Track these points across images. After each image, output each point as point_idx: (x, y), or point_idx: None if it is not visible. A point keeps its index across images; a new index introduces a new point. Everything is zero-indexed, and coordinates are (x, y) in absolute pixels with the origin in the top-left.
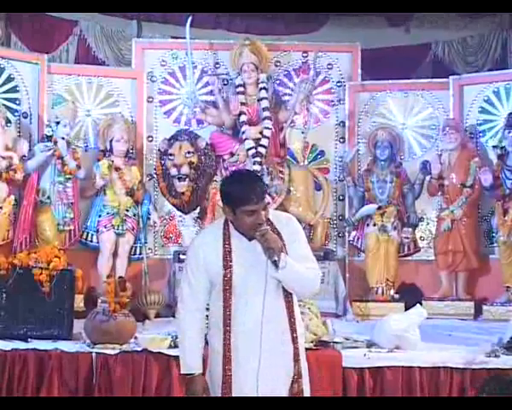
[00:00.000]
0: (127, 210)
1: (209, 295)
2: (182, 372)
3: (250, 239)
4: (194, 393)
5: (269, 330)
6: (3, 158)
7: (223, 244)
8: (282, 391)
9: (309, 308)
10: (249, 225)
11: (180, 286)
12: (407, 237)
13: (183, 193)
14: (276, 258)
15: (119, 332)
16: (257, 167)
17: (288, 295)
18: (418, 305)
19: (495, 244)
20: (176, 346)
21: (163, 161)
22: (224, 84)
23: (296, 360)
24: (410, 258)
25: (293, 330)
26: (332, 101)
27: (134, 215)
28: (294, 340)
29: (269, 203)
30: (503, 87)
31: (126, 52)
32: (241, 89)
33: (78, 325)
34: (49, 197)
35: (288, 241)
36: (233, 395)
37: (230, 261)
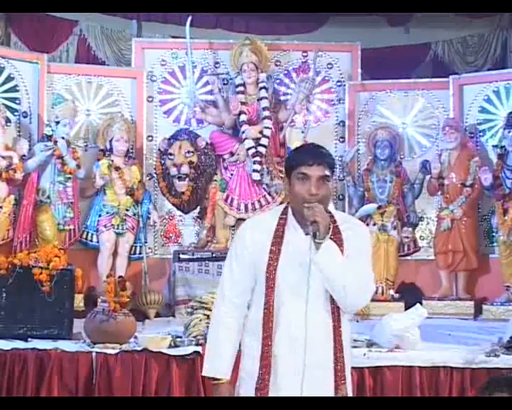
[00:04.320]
0: (127, 210)
1: (252, 293)
2: (205, 374)
3: (307, 233)
4: None
5: (313, 340)
6: (3, 157)
7: (274, 233)
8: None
9: None
10: (299, 193)
11: (221, 276)
12: (407, 237)
13: (182, 192)
14: (317, 230)
15: (118, 332)
16: (257, 167)
17: (334, 304)
18: (418, 304)
19: (495, 244)
20: (176, 345)
21: (163, 161)
22: (224, 84)
23: (337, 386)
24: (409, 257)
25: (338, 348)
26: (332, 100)
27: (134, 215)
28: (337, 360)
29: (327, 176)
30: (503, 87)
31: (126, 52)
32: (241, 88)
33: (78, 325)
34: (48, 197)
35: (349, 246)
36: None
37: (278, 253)
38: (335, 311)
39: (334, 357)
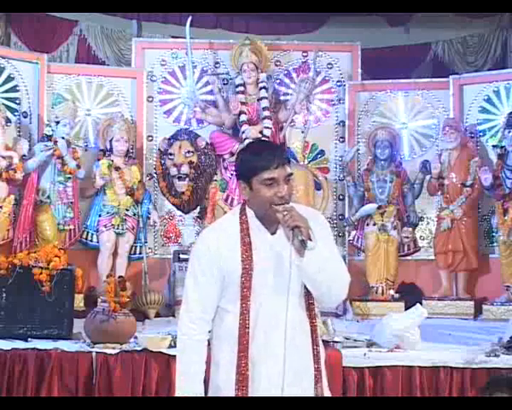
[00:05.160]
0: (127, 210)
1: (217, 303)
2: (179, 395)
3: (272, 233)
4: None
5: (293, 344)
6: (3, 157)
7: (240, 236)
8: None
9: None
10: (269, 198)
11: (184, 291)
12: (407, 237)
13: (183, 192)
14: (304, 237)
15: (118, 332)
16: None
17: (310, 301)
18: (418, 304)
19: (495, 244)
20: (176, 345)
21: (163, 161)
22: (224, 84)
23: (317, 381)
24: (409, 257)
25: (315, 345)
26: (332, 100)
27: (134, 215)
28: (316, 357)
29: (291, 175)
30: (503, 87)
31: (126, 52)
32: (241, 88)
33: (78, 325)
34: (49, 197)
35: (318, 239)
36: None
37: (250, 256)
38: (310, 307)
39: (313, 355)
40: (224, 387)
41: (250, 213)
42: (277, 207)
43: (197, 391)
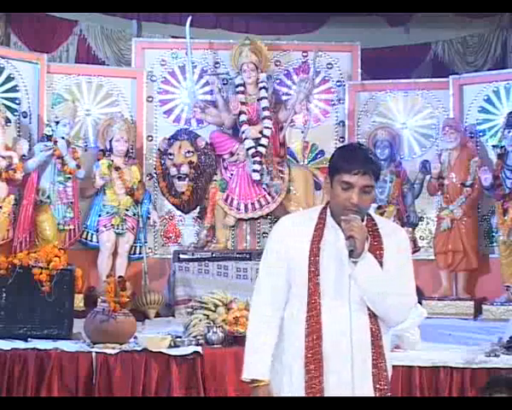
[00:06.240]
0: (127, 210)
1: (288, 288)
2: (243, 377)
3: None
4: None
5: (358, 348)
6: (3, 157)
7: (313, 233)
8: None
9: None
10: (341, 201)
11: (258, 277)
12: None
13: (182, 192)
14: (353, 247)
15: (118, 332)
16: (257, 167)
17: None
18: (418, 304)
19: (495, 244)
20: (176, 345)
21: (163, 161)
22: (224, 84)
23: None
24: None
25: (376, 352)
26: (332, 100)
27: (134, 215)
28: (375, 361)
29: (371, 187)
30: (503, 87)
31: (126, 52)
32: (240, 88)
33: (78, 325)
34: (48, 197)
35: (389, 257)
36: None
37: (318, 255)
38: (374, 316)
39: (373, 362)
40: (287, 371)
41: (328, 211)
42: (346, 212)
43: (264, 372)
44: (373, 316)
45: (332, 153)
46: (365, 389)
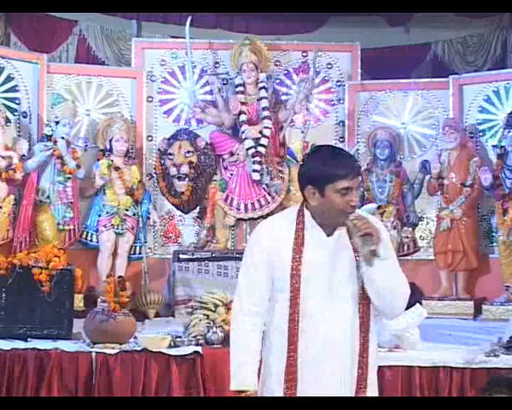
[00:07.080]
0: (127, 210)
1: (268, 296)
2: (232, 388)
3: (328, 234)
4: None
5: (345, 354)
6: (3, 157)
7: (294, 235)
8: None
9: None
10: (341, 207)
11: (238, 283)
12: (407, 237)
13: (182, 192)
14: (375, 247)
15: (118, 332)
16: (256, 167)
17: (364, 309)
18: (418, 304)
19: (494, 244)
20: (176, 345)
21: (163, 161)
22: (224, 84)
23: (359, 388)
24: (409, 257)
25: (364, 356)
26: (332, 100)
27: (134, 215)
28: (361, 363)
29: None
30: (503, 87)
31: (126, 52)
32: (240, 88)
33: (78, 325)
34: (48, 197)
35: (383, 246)
36: None
37: (301, 257)
38: (363, 314)
39: (359, 360)
40: (275, 373)
41: (307, 213)
42: (347, 214)
43: (250, 382)
44: (362, 314)
45: (307, 163)
46: (348, 387)
